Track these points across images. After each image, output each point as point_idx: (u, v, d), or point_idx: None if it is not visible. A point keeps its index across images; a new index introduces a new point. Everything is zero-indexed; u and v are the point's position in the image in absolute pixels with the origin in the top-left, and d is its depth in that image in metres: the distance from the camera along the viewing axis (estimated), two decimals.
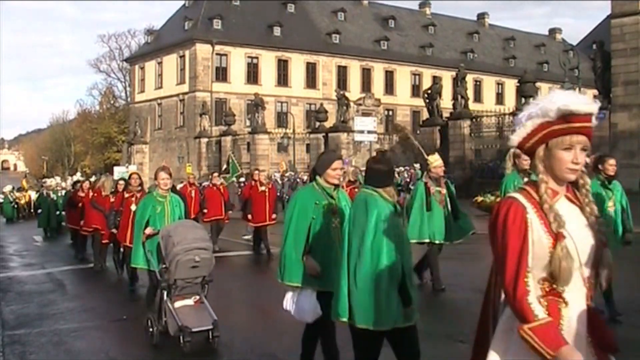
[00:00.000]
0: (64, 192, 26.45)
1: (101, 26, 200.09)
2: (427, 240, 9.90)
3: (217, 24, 58.83)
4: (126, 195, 11.71)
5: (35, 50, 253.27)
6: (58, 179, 33.10)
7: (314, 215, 5.35)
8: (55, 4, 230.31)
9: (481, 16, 79.81)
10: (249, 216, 15.75)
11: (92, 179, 26.18)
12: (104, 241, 13.80)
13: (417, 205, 9.91)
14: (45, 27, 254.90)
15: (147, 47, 66.79)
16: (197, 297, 7.13)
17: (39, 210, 25.92)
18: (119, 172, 38.86)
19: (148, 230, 7.74)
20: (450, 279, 10.39)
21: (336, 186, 5.51)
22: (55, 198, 25.83)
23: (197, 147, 53.42)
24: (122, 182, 13.61)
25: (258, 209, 15.51)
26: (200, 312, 7.00)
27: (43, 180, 38.58)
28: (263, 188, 15.75)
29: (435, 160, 10.12)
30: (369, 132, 28.18)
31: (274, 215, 15.57)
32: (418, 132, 48.85)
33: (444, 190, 10.13)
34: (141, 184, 11.60)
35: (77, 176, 31.21)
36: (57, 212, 24.54)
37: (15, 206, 38.32)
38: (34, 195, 41.38)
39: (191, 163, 51.69)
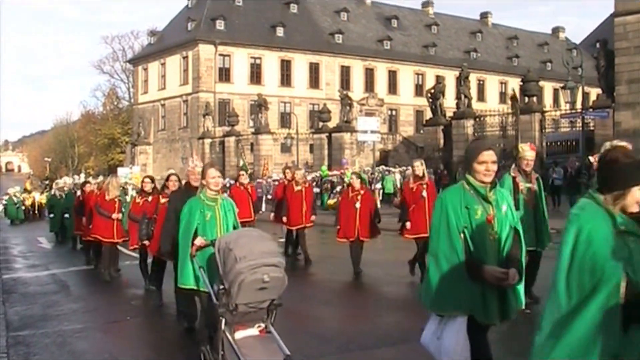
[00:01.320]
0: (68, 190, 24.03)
1: (105, 27, 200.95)
2: None
3: (220, 25, 58.84)
4: (162, 200, 9.95)
5: (39, 52, 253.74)
6: (69, 179, 30.77)
7: (465, 224, 4.25)
8: (59, 5, 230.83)
9: (484, 15, 79.73)
10: (284, 218, 14.46)
11: (99, 179, 23.90)
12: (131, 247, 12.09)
13: None
14: (49, 29, 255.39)
15: (150, 48, 66.85)
16: (262, 326, 5.64)
17: (51, 215, 23.75)
18: (122, 173, 38.92)
19: (198, 241, 6.23)
20: None
21: (492, 184, 4.38)
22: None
23: (201, 147, 53.45)
24: (147, 179, 11.91)
25: (294, 210, 14.23)
26: (268, 345, 5.63)
27: (55, 180, 38.30)
28: (299, 188, 14.36)
29: (525, 149, 8.57)
30: (372, 132, 28.10)
31: (312, 217, 14.44)
32: (421, 131, 48.94)
33: (535, 187, 8.59)
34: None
35: (82, 177, 29.10)
36: (66, 215, 20.96)
37: (22, 208, 38.39)
38: (37, 196, 41.51)
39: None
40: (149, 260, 11.11)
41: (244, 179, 15.94)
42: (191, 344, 7.17)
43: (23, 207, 38.63)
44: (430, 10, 75.18)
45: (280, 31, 61.20)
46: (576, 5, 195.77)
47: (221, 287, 5.46)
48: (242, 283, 5.22)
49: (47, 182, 60.44)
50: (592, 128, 30.00)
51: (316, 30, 63.77)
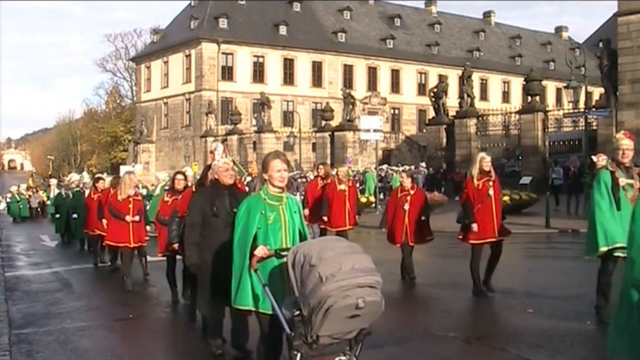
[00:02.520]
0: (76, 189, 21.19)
1: (110, 26, 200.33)
2: (620, 245, 6.97)
3: (223, 23, 58.86)
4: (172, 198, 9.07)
5: (44, 50, 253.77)
6: (76, 175, 28.31)
7: None
8: (64, 3, 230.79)
9: (487, 14, 79.66)
10: (325, 218, 13.19)
11: (102, 177, 19.88)
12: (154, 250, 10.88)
13: (604, 202, 7.21)
14: (54, 27, 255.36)
15: (153, 46, 66.90)
16: (346, 359, 4.44)
17: (57, 215, 22.30)
18: (125, 171, 38.92)
19: (261, 251, 4.87)
20: (456, 277, 10.36)
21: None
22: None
23: (203, 146, 53.46)
24: (180, 176, 10.20)
25: (336, 211, 12.99)
26: None
27: (51, 178, 38.09)
28: (342, 187, 13.09)
29: (620, 138, 7.44)
30: (375, 130, 28.10)
31: (357, 218, 13.44)
32: (424, 130, 48.91)
33: (638, 184, 7.46)
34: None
35: (85, 174, 27.79)
36: (75, 215, 18.81)
37: (27, 205, 38.41)
38: (40, 194, 41.55)
39: (197, 162, 51.77)
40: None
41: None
42: (192, 342, 7.17)
43: (28, 205, 38.64)
44: (434, 9, 75.15)
45: (283, 30, 61.20)
46: (580, 5, 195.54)
47: (296, 312, 4.26)
48: (329, 310, 4.07)
49: (49, 180, 60.36)
50: (595, 127, 29.94)
51: (319, 29, 63.77)
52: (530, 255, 15.45)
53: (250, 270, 4.86)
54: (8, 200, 39.86)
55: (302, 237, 5.13)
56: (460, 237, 9.74)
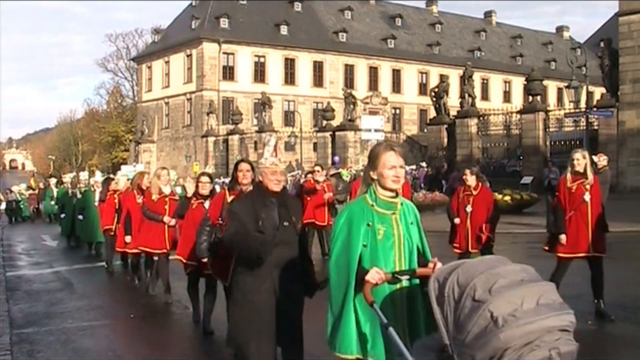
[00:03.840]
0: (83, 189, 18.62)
1: (112, 25, 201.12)
2: None
3: (224, 23, 58.88)
4: (230, 199, 6.53)
5: (46, 50, 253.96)
6: (84, 174, 25.62)
7: None
8: (66, 3, 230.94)
9: (488, 14, 79.68)
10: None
11: (118, 175, 18.19)
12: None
13: None
14: (56, 27, 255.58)
15: (154, 46, 66.93)
16: None
17: (62, 215, 20.50)
18: (126, 171, 38.79)
19: (375, 276, 3.50)
20: None
21: None
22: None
23: (205, 146, 53.53)
24: (205, 178, 8.44)
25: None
26: None
27: (51, 178, 37.71)
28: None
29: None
30: (376, 130, 28.11)
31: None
32: (425, 130, 48.90)
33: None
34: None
35: (86, 174, 26.30)
36: (80, 217, 17.21)
37: (28, 205, 38.34)
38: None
39: (198, 162, 51.83)
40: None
41: (320, 176, 13.22)
42: (194, 341, 7.19)
43: (29, 205, 38.57)
44: (435, 9, 75.16)
45: (284, 29, 61.21)
46: (582, 4, 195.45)
47: None
48: None
49: (49, 179, 60.39)
50: (596, 127, 29.94)
51: (320, 29, 63.77)
52: (530, 254, 15.42)
53: (354, 305, 3.61)
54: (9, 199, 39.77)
55: (422, 258, 3.81)
56: (547, 248, 8.35)
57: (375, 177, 3.76)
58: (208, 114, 53.93)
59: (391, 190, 3.75)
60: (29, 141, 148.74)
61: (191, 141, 58.37)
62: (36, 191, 38.89)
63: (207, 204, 7.81)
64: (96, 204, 15.48)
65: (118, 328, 8.70)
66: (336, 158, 37.76)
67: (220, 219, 6.45)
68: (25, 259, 17.35)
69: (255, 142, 46.74)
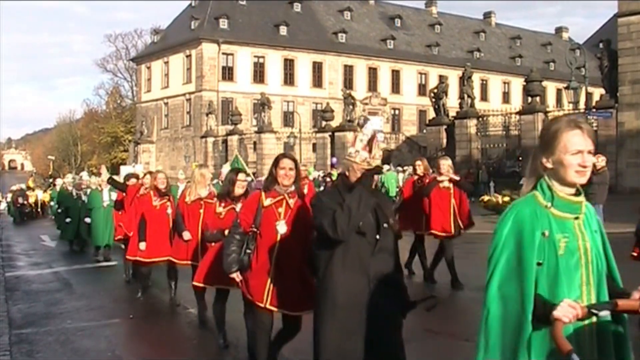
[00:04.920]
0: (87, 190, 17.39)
1: (112, 26, 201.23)
2: None
3: (223, 24, 58.88)
4: (268, 202, 5.33)
5: (46, 50, 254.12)
6: (86, 175, 22.71)
7: None
8: (67, 3, 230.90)
9: (487, 15, 79.74)
10: (430, 222, 10.34)
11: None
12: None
13: None
14: (56, 27, 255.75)
15: (154, 46, 66.93)
16: None
17: (68, 219, 18.28)
18: (125, 171, 38.65)
19: (569, 312, 2.45)
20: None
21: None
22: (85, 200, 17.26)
23: (204, 146, 53.50)
24: (242, 176, 7.11)
25: (439, 213, 10.30)
26: None
27: (55, 178, 37.46)
28: (446, 184, 10.37)
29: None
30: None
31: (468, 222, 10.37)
32: (424, 131, 48.91)
33: None
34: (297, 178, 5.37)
35: (85, 174, 23.98)
36: (87, 220, 16.21)
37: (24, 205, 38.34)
38: (40, 194, 41.55)
39: (197, 162, 51.79)
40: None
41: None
42: (194, 342, 7.18)
43: (26, 204, 38.58)
44: (434, 9, 75.20)
45: (283, 30, 61.22)
46: (582, 5, 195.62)
47: None
48: None
49: (50, 180, 60.34)
50: (595, 128, 29.96)
51: (320, 30, 63.79)
52: None
53: (529, 353, 2.56)
54: (8, 200, 39.80)
55: (611, 281, 2.81)
56: (635, 254, 7.38)
57: (550, 165, 2.71)
58: (207, 115, 53.92)
59: (573, 185, 2.70)
60: (28, 141, 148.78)
61: (190, 142, 58.36)
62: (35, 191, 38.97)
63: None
64: (105, 204, 14.98)
65: (117, 328, 8.69)
66: (334, 159, 37.75)
67: (253, 226, 5.27)
68: (24, 259, 17.34)
69: (255, 143, 46.73)
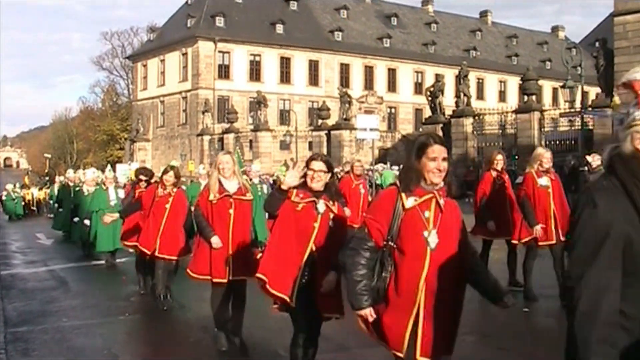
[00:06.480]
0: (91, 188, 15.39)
1: (110, 24, 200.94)
2: None
3: (219, 22, 58.85)
4: (410, 202, 3.80)
5: (44, 48, 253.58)
6: (92, 172, 20.53)
7: None
8: (65, 2, 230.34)
9: (484, 14, 79.82)
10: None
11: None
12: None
13: None
14: (54, 25, 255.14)
15: (150, 44, 66.88)
16: None
17: (75, 219, 16.74)
18: (121, 169, 38.68)
19: None
20: None
21: None
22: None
23: (200, 144, 53.44)
24: (319, 165, 5.05)
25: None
26: None
27: (54, 175, 37.43)
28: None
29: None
30: (371, 129, 28.06)
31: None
32: (420, 129, 48.89)
33: None
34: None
35: (81, 172, 22.63)
36: (87, 222, 14.59)
37: (22, 203, 38.35)
38: (36, 192, 41.55)
39: (194, 160, 51.74)
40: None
41: (359, 170, 11.98)
42: (190, 340, 7.17)
43: (23, 203, 38.60)
44: (430, 8, 75.25)
45: (279, 28, 61.20)
46: (578, 4, 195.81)
47: None
48: None
49: (47, 177, 60.29)
50: (591, 127, 29.99)
51: (316, 28, 63.77)
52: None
53: None
54: (3, 198, 39.76)
55: None
56: None
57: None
58: (203, 113, 53.84)
59: None
60: (23, 139, 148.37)
61: (186, 140, 58.31)
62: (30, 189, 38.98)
63: (321, 205, 4.89)
64: (112, 203, 13.48)
65: (113, 327, 8.66)
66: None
67: (389, 237, 3.75)
68: (19, 257, 17.32)
69: (251, 141, 46.69)
